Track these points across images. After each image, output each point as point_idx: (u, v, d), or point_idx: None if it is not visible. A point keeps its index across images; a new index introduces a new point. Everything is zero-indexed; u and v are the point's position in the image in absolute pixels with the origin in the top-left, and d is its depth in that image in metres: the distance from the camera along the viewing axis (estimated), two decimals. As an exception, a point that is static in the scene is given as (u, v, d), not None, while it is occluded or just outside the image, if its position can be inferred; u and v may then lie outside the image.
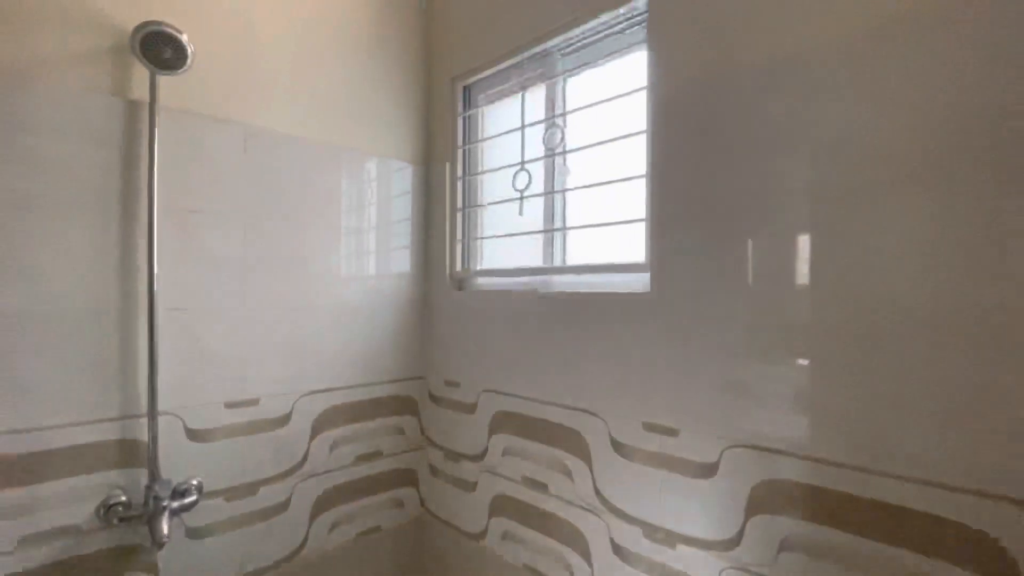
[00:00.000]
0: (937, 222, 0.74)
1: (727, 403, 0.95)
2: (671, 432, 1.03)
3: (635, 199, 1.17)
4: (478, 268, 1.58)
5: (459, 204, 1.59)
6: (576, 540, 1.21)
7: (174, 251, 1.16)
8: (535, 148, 1.39)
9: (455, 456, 1.53)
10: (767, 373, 0.90)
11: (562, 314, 1.24)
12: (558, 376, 1.25)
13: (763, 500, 0.90)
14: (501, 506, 1.39)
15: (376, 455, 1.54)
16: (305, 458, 1.39)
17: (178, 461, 1.17)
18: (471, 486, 1.48)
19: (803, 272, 0.87)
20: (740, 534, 0.93)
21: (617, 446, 1.13)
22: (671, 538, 1.03)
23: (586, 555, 1.18)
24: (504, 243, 1.52)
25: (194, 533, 1.20)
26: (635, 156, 1.16)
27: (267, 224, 1.31)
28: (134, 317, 1.12)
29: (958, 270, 0.72)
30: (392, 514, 1.58)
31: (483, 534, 1.44)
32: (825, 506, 0.83)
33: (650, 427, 1.07)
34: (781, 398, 0.89)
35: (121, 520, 1.08)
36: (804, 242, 0.86)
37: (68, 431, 1.04)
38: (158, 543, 1.06)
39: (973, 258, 0.71)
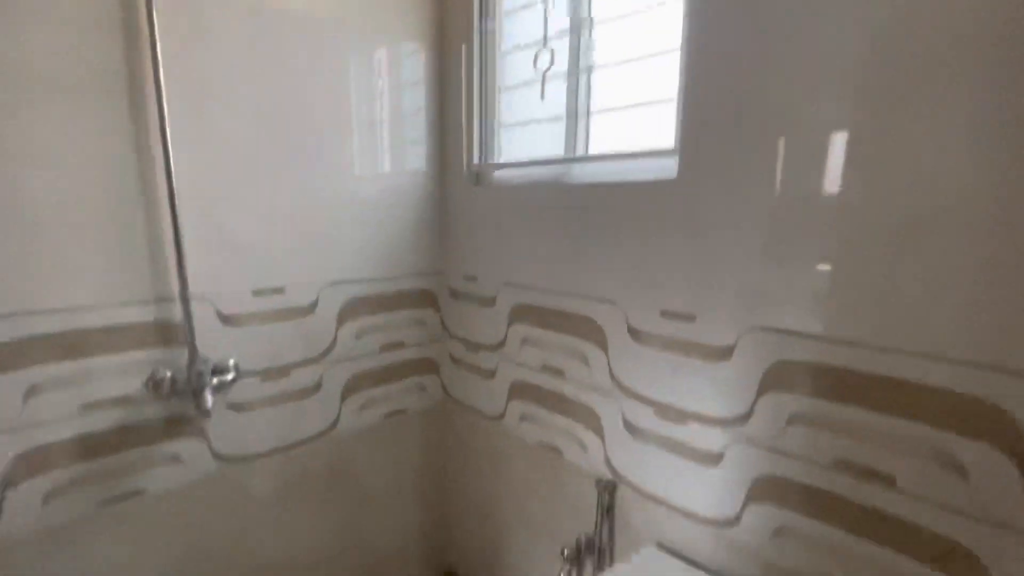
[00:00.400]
0: (995, 117, 0.67)
1: (748, 288, 0.95)
2: (688, 318, 1.05)
3: (665, 85, 1.08)
4: (496, 161, 1.53)
5: (475, 89, 1.50)
6: (590, 419, 1.28)
7: (188, 138, 1.14)
8: (558, 25, 1.28)
9: (475, 347, 1.59)
10: (791, 259, 0.89)
11: (583, 205, 1.22)
12: (577, 267, 1.25)
13: (776, 379, 0.93)
14: (519, 391, 1.47)
15: (399, 345, 1.61)
16: (333, 345, 1.46)
17: (214, 343, 1.23)
18: (490, 374, 1.55)
19: (836, 163, 0.82)
20: (750, 411, 0.97)
21: (634, 333, 1.15)
22: (682, 416, 1.08)
23: (599, 432, 1.26)
24: (524, 133, 1.46)
25: (235, 407, 1.30)
26: (667, 32, 1.06)
27: (279, 112, 1.27)
28: (156, 203, 1.12)
29: (1010, 169, 0.67)
30: (416, 397, 1.68)
31: (502, 416, 1.53)
32: (839, 383, 0.85)
33: (667, 314, 1.08)
34: (804, 283, 0.88)
35: (169, 393, 1.17)
36: (840, 138, 0.81)
37: (107, 311, 1.10)
38: (203, 413, 1.16)
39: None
